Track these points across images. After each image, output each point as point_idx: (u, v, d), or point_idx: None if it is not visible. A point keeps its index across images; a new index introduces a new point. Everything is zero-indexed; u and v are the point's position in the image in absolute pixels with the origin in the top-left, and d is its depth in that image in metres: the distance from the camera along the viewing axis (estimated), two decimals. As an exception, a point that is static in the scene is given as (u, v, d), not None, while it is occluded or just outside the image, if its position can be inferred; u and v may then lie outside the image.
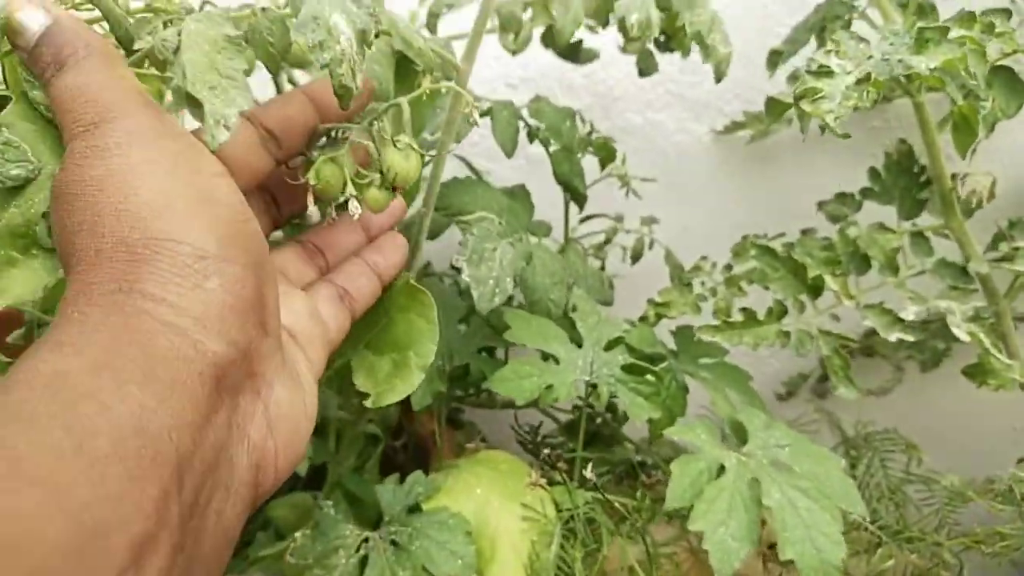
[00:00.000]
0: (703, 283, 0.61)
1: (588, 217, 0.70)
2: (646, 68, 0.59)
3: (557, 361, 0.54)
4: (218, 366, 0.28)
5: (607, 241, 0.67)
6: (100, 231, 0.28)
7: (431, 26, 0.59)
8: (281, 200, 0.42)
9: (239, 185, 0.34)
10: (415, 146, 0.40)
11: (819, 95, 0.38)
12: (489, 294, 0.50)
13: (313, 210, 0.40)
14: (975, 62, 0.41)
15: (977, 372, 0.52)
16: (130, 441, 0.24)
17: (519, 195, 0.63)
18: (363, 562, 0.49)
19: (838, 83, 0.38)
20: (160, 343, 0.27)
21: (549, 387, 0.52)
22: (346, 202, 0.38)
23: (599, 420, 0.64)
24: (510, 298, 0.60)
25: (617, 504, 0.53)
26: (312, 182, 0.38)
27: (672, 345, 0.61)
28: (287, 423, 0.32)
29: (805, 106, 0.39)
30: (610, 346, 0.55)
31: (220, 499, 0.28)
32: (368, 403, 0.43)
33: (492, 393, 0.67)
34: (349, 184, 0.39)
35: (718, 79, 0.52)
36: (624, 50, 0.56)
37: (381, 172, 0.40)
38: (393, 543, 0.50)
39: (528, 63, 0.82)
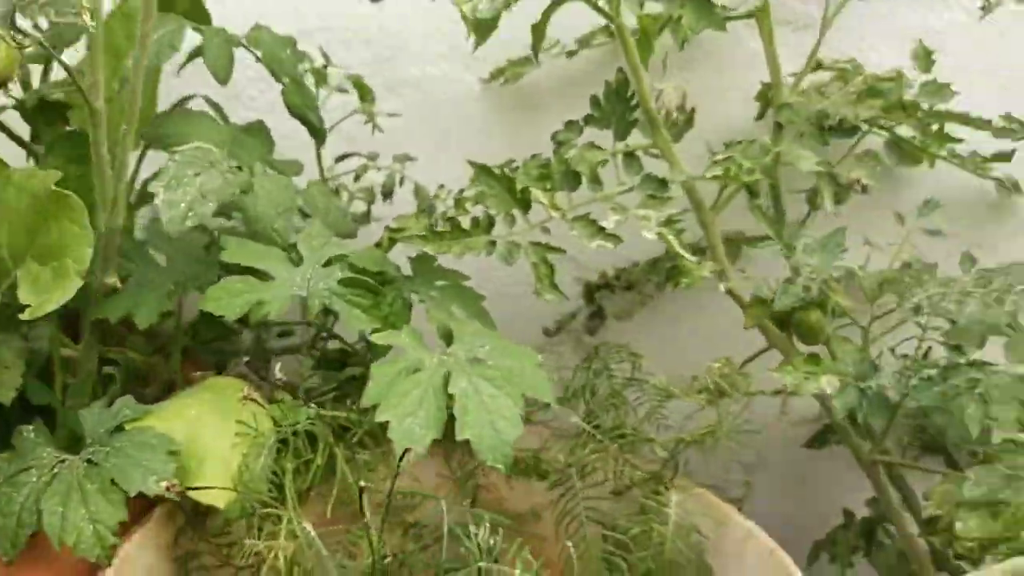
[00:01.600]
0: (442, 210, 0.63)
1: (344, 156, 0.71)
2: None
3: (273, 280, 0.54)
4: None
5: (357, 177, 0.68)
6: None
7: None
8: None
9: None
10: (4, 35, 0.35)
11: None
12: (180, 216, 0.50)
13: None
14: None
15: (673, 273, 0.56)
16: None
17: (255, 130, 0.64)
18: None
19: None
20: None
21: (260, 303, 0.53)
22: None
23: (348, 351, 0.65)
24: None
25: (335, 417, 0.54)
26: None
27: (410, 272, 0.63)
28: None
29: (460, 3, 0.42)
30: (329, 263, 0.56)
31: None
32: (26, 315, 0.41)
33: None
34: None
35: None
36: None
37: None
38: (89, 461, 0.49)
39: (325, 14, 0.82)
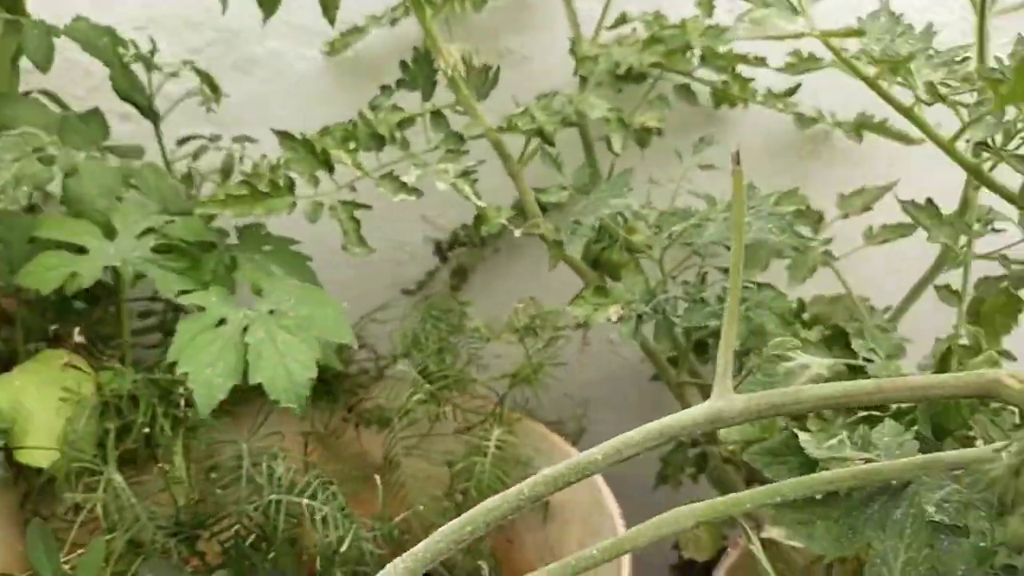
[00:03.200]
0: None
1: (186, 139, 0.73)
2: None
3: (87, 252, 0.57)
4: None
5: (195, 157, 0.71)
6: None
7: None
8: None
9: None
10: None
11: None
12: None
13: None
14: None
15: (476, 221, 0.60)
16: None
17: (88, 117, 0.66)
18: None
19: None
20: None
21: (74, 274, 0.56)
22: None
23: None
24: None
25: (158, 379, 0.57)
26: None
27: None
28: None
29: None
30: (142, 235, 0.59)
31: None
32: None
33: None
34: None
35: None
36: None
37: None
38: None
39: (151, 4, 0.84)
